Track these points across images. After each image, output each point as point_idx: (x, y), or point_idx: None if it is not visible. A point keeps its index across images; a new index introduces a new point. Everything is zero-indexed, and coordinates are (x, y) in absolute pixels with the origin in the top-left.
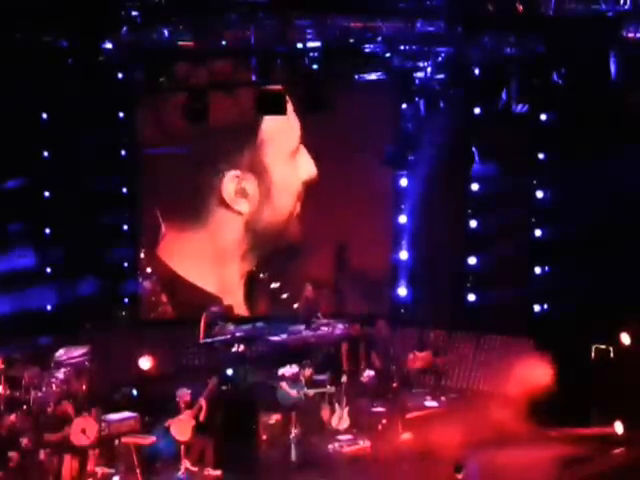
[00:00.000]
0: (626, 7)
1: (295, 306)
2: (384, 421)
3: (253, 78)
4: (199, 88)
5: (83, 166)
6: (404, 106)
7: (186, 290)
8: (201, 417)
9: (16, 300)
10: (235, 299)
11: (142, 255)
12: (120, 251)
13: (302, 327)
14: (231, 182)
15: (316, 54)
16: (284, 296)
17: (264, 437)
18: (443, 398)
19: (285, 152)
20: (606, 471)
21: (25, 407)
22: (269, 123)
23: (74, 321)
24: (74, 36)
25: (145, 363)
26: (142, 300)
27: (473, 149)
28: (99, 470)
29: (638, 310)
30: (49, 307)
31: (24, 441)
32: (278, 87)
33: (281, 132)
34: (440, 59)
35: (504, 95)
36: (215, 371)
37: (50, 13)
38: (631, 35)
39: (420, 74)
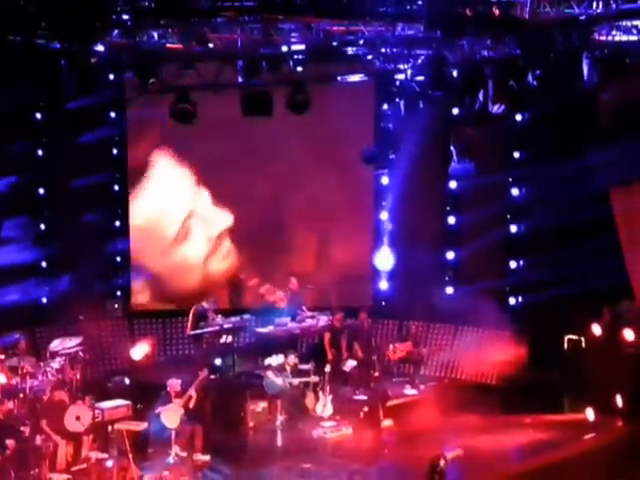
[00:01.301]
0: (598, 11)
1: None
2: (366, 408)
3: (239, 80)
4: (186, 89)
5: (77, 165)
6: (385, 106)
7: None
8: (190, 406)
9: (13, 293)
10: (221, 295)
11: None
12: (112, 246)
13: (288, 319)
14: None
15: (300, 56)
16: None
17: (251, 424)
18: (422, 387)
19: None
20: (578, 456)
21: (22, 395)
22: None
23: (68, 313)
24: (67, 38)
25: (137, 353)
26: (133, 293)
27: (451, 148)
28: (93, 455)
29: (608, 302)
30: (44, 299)
31: (26, 431)
32: (264, 88)
33: None
34: (420, 61)
35: (481, 96)
36: (205, 362)
37: (44, 16)
38: (603, 38)
39: (400, 76)
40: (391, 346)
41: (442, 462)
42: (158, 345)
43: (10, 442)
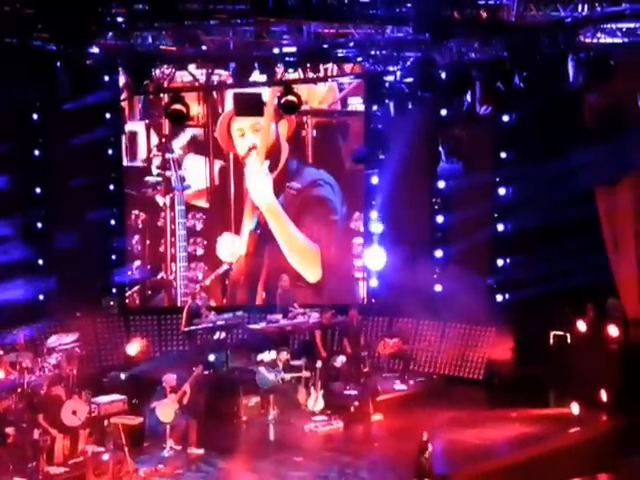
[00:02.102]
0: (584, 14)
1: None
2: (356, 403)
3: (231, 81)
4: (179, 90)
5: (73, 164)
6: (375, 107)
7: None
8: (185, 401)
9: (11, 290)
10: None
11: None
12: (109, 244)
13: (280, 316)
14: None
15: (292, 59)
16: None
17: (244, 418)
18: (411, 382)
19: None
20: (563, 449)
21: (20, 390)
22: None
23: (65, 310)
24: (62, 41)
25: (133, 348)
26: (129, 290)
27: (440, 148)
28: (89, 449)
29: (593, 299)
30: (41, 297)
31: (24, 425)
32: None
33: None
34: (409, 63)
35: (469, 97)
36: (199, 358)
37: (40, 19)
38: (588, 40)
39: (390, 77)
40: (381, 342)
41: (430, 447)
42: (153, 342)
43: (10, 430)
